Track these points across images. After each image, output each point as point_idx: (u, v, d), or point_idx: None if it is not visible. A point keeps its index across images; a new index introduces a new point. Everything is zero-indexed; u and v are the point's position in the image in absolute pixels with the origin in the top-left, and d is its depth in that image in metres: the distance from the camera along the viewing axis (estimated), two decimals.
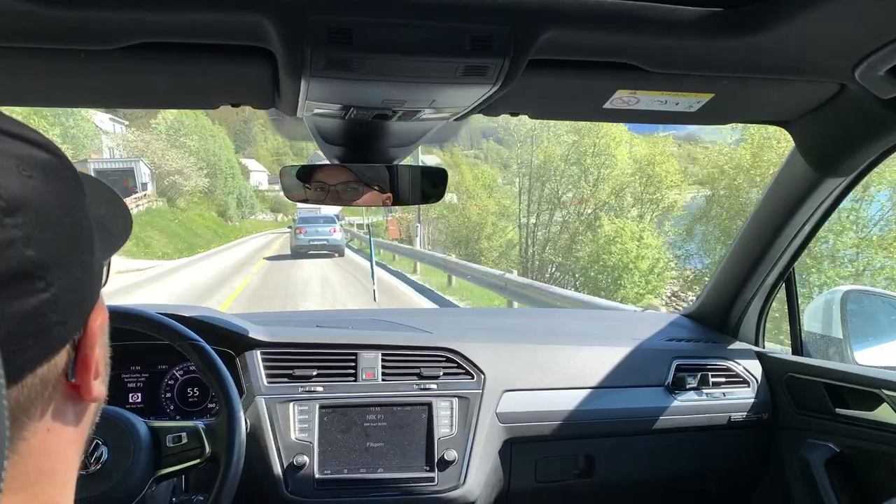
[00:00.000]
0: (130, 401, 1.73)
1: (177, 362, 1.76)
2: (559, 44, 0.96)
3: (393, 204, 1.47)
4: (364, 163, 1.45)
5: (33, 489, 0.46)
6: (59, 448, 0.49)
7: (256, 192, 79.66)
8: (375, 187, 1.44)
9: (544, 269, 24.54)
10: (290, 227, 38.47)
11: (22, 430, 0.44)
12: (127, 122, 50.88)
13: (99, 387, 0.51)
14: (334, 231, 25.26)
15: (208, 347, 1.41)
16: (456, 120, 1.30)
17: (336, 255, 24.82)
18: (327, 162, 1.49)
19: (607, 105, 1.23)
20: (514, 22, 0.91)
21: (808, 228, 1.75)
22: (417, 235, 23.55)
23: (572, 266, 22.39)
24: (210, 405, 1.77)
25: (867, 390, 1.67)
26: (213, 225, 47.42)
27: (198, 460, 1.34)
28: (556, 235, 25.04)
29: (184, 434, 1.34)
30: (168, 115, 46.94)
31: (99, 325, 0.50)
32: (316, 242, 24.77)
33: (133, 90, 1.18)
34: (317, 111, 1.19)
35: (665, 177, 22.43)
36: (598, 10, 0.92)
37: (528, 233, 26.34)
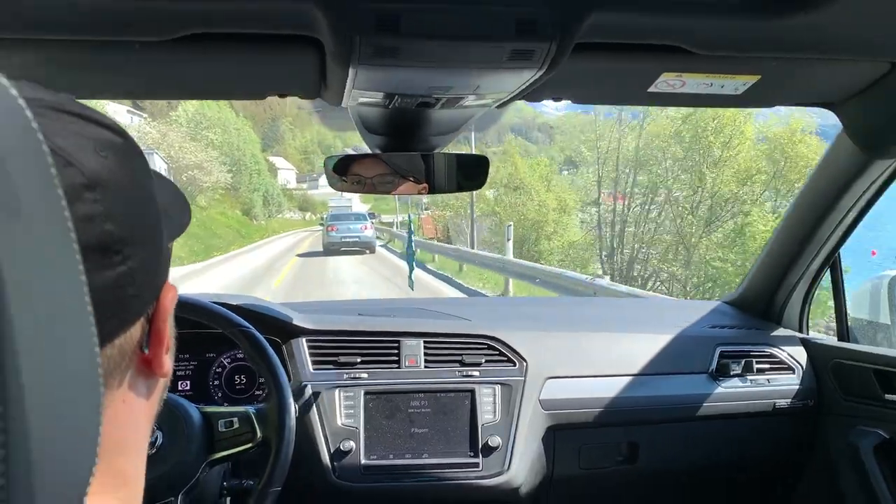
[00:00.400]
0: (179, 388, 1.77)
1: (224, 350, 1.79)
2: (605, 26, 0.96)
3: (429, 192, 1.48)
4: (405, 151, 1.46)
5: (108, 459, 0.48)
6: (132, 420, 0.52)
7: (284, 191, 78.87)
8: (411, 178, 1.46)
9: (643, 275, 20.56)
10: (321, 224, 38.75)
11: (102, 398, 0.46)
12: (146, 115, 47.25)
13: (168, 362, 0.53)
14: (365, 228, 25.49)
15: (259, 335, 1.44)
16: (498, 107, 1.30)
17: (367, 251, 24.98)
18: (362, 152, 1.50)
19: (652, 88, 1.22)
20: (560, 4, 0.91)
21: (855, 212, 1.72)
22: (470, 233, 22.21)
23: (692, 274, 18.45)
24: (257, 392, 1.80)
25: None
26: (236, 224, 44.20)
27: (249, 444, 1.36)
28: (654, 232, 20.77)
29: (235, 419, 1.36)
30: (189, 107, 44.38)
31: (170, 301, 0.52)
32: (348, 239, 25.00)
33: (184, 81, 1.20)
34: (361, 100, 1.20)
35: (812, 158, 16.54)
36: None
37: (614, 231, 22.80)
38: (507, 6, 0.91)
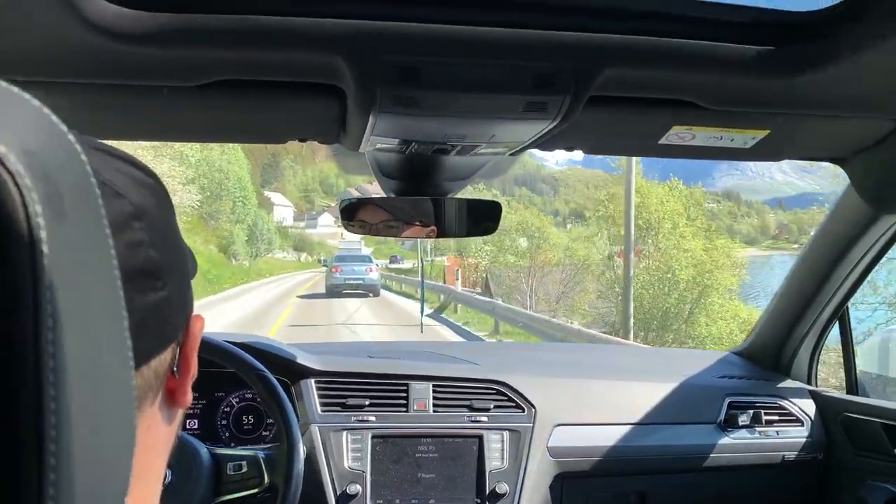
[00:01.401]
0: (188, 427, 1.77)
1: (233, 390, 1.80)
2: (619, 81, 0.99)
3: (438, 236, 1.51)
4: (420, 195, 1.49)
5: (131, 485, 0.49)
6: (155, 447, 0.53)
7: (280, 229, 75.10)
8: (417, 223, 1.48)
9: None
10: (324, 263, 38.51)
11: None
12: None
13: (190, 392, 0.56)
14: (370, 270, 25.03)
15: (274, 380, 1.44)
16: (511, 155, 1.33)
17: (371, 294, 24.52)
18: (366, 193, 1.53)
19: (663, 140, 1.25)
20: (576, 60, 0.94)
21: (862, 266, 1.73)
22: (529, 291, 20.11)
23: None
24: (264, 433, 1.80)
25: None
26: (204, 264, 30.92)
27: (256, 490, 1.36)
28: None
29: (244, 463, 1.36)
30: None
31: (199, 330, 0.56)
32: (351, 281, 24.50)
33: (207, 125, 1.24)
34: (379, 146, 1.24)
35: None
36: (659, 48, 0.95)
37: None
38: (525, 61, 0.94)
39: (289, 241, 76.44)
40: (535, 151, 1.33)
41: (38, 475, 0.28)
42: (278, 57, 0.92)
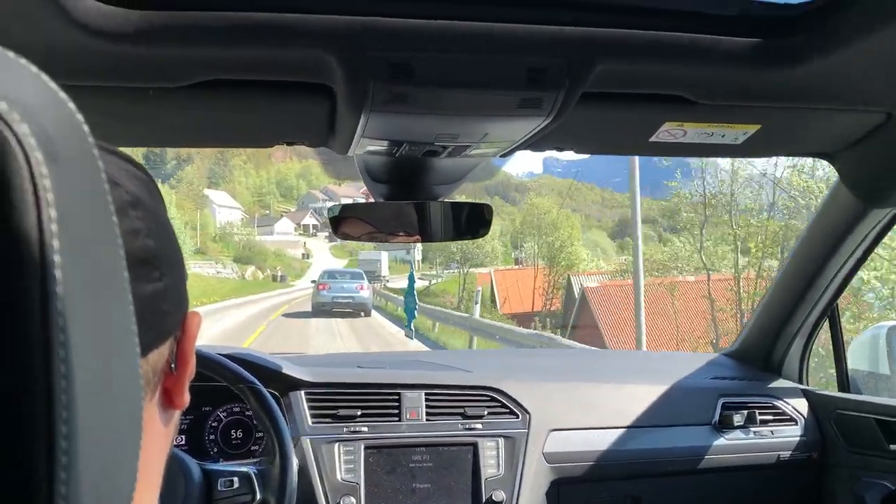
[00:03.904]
0: (175, 442, 1.74)
1: (221, 404, 1.77)
2: (612, 76, 0.99)
3: (429, 241, 1.50)
4: (409, 200, 1.47)
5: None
6: (153, 449, 0.52)
7: (223, 232, 63.42)
8: (407, 228, 1.47)
9: None
10: (281, 279, 37.70)
11: None
12: None
13: (186, 394, 0.55)
14: (361, 288, 23.66)
15: (267, 393, 1.42)
16: (502, 156, 1.32)
17: (362, 314, 23.06)
18: (337, 199, 1.51)
19: (654, 138, 1.24)
20: (569, 55, 0.93)
21: (852, 262, 1.73)
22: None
23: None
24: (253, 447, 1.77)
25: None
26: None
27: None
28: None
29: (236, 479, 1.34)
30: None
31: (195, 326, 0.55)
32: (340, 300, 22.93)
33: (195, 129, 1.22)
34: (369, 149, 1.22)
35: None
36: (651, 41, 0.94)
37: None
38: (518, 56, 0.93)
39: (230, 250, 60.60)
40: (499, 160, 1.33)
41: (49, 475, 0.27)
42: (266, 54, 0.91)
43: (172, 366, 0.52)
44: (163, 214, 0.52)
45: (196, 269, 44.96)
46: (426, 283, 45.46)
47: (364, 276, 25.93)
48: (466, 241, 34.34)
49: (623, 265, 27.86)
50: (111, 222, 0.35)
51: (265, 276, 54.57)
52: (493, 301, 33.22)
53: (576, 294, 26.01)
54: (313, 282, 25.68)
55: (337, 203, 1.48)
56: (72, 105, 0.33)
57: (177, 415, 0.57)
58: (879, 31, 0.92)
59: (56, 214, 0.28)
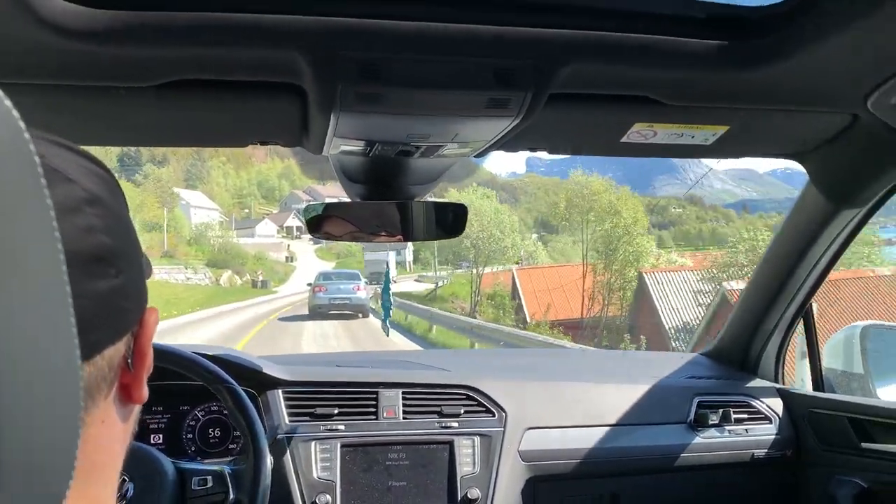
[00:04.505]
0: (152, 441, 1.73)
1: (198, 403, 1.76)
2: (579, 77, 1.00)
3: (405, 240, 1.51)
4: (385, 200, 1.48)
5: (83, 482, 0.47)
6: (110, 444, 0.52)
7: (198, 234, 57.65)
8: (385, 228, 1.48)
9: None
10: (262, 285, 36.55)
11: (85, 414, 0.47)
12: None
13: (145, 388, 0.55)
14: (358, 289, 23.29)
15: (243, 393, 1.42)
16: (476, 156, 1.33)
17: (360, 315, 22.84)
18: (322, 199, 1.51)
19: (625, 139, 1.26)
20: (535, 56, 0.95)
21: (825, 261, 1.75)
22: None
23: None
24: (231, 446, 1.77)
25: (893, 423, 1.66)
26: None
27: None
28: None
29: (210, 478, 1.34)
30: None
31: (153, 322, 0.55)
32: (337, 301, 22.77)
33: (166, 128, 1.21)
34: (343, 148, 1.22)
35: None
36: (617, 43, 0.95)
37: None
38: (485, 57, 0.94)
39: (203, 254, 53.24)
40: (485, 161, 1.33)
41: None
42: (237, 54, 0.91)
43: (129, 361, 0.52)
44: (123, 212, 0.52)
45: (162, 275, 39.94)
46: (426, 286, 42.63)
47: (360, 276, 25.48)
48: (481, 236, 33.81)
49: (708, 260, 23.23)
50: (48, 221, 0.35)
51: (244, 282, 48.77)
52: (519, 307, 28.92)
53: (653, 295, 22.42)
54: (309, 284, 25.10)
55: (316, 202, 1.48)
56: (7, 102, 0.32)
57: (136, 409, 0.57)
58: (844, 34, 0.94)
59: None
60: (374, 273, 31.93)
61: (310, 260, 69.49)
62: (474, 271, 35.98)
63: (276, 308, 27.83)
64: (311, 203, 1.46)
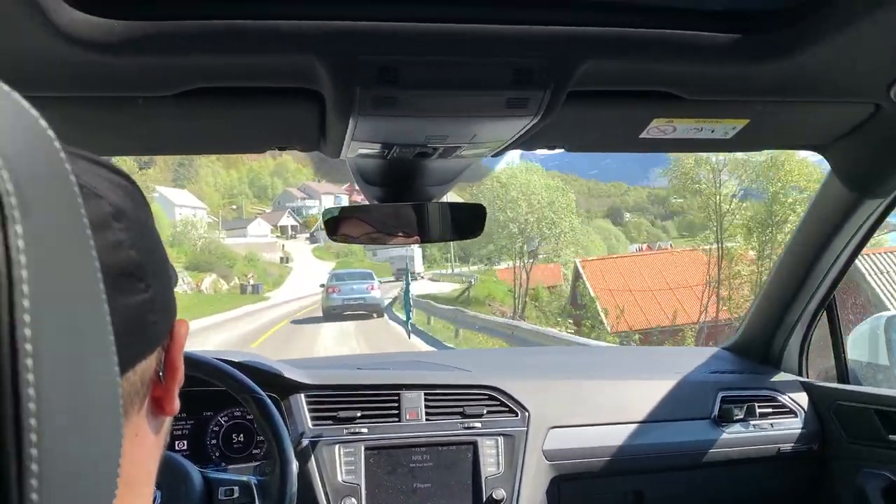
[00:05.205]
0: (177, 448, 1.74)
1: (221, 408, 1.77)
2: (597, 74, 0.99)
3: (422, 242, 1.51)
4: (403, 202, 1.48)
5: (120, 496, 0.48)
6: (143, 457, 0.52)
7: (178, 234, 49.47)
8: (402, 230, 1.48)
9: None
10: (256, 291, 32.71)
11: None
12: None
13: (177, 400, 0.55)
14: (372, 288, 22.84)
15: (271, 403, 1.41)
16: (494, 156, 1.33)
17: (374, 315, 22.20)
18: (317, 195, 1.51)
19: (644, 134, 1.25)
20: (553, 54, 0.94)
21: (848, 252, 1.73)
22: None
23: None
24: (254, 451, 1.78)
25: None
26: None
27: None
28: None
29: (237, 488, 1.34)
30: None
31: (183, 334, 0.55)
32: (351, 302, 22.27)
33: (187, 136, 1.22)
34: (360, 152, 1.22)
35: None
36: (634, 39, 0.95)
37: None
38: (503, 56, 0.93)
39: (183, 256, 45.16)
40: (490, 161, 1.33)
41: (20, 482, 0.27)
42: (254, 61, 0.91)
43: (161, 374, 0.52)
44: (148, 223, 0.52)
45: None
46: (447, 286, 36.75)
47: (374, 276, 24.87)
48: (530, 220, 29.03)
49: None
50: (85, 239, 0.35)
51: (231, 287, 43.14)
52: (583, 309, 22.92)
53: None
54: (322, 286, 24.49)
55: (287, 200, 1.48)
56: (42, 122, 0.32)
57: (168, 421, 0.57)
58: (863, 24, 0.93)
59: (23, 231, 0.28)
60: (401, 270, 30.85)
61: (307, 260, 64.97)
62: (517, 264, 29.17)
63: (269, 322, 22.58)
64: (332, 207, 1.46)
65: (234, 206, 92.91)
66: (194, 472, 1.31)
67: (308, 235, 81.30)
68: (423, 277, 44.12)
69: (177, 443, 1.75)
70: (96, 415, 0.35)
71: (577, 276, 25.52)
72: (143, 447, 0.52)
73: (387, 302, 23.01)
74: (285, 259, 66.01)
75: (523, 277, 28.23)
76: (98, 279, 0.36)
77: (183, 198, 69.39)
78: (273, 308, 29.30)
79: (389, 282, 33.94)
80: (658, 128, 1.22)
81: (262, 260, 55.94)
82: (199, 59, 0.90)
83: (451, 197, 1.69)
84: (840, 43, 0.97)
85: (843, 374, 1.96)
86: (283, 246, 72.46)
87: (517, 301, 27.82)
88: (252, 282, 43.33)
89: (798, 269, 1.84)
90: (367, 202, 1.57)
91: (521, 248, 29.48)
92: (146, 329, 0.48)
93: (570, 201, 31.45)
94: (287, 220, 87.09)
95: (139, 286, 0.47)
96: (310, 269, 49.27)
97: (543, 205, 29.28)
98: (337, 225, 1.46)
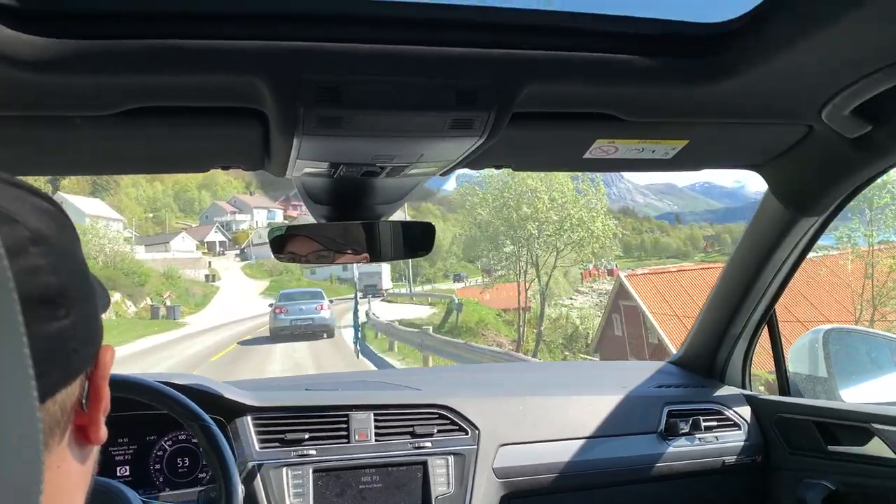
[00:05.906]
0: (119, 473, 1.69)
1: (165, 432, 1.72)
2: (541, 96, 1.01)
3: (371, 261, 1.51)
4: (351, 220, 1.47)
5: None
6: (68, 489, 0.50)
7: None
8: (350, 249, 1.47)
9: None
10: (172, 316, 29.96)
11: None
12: None
13: (104, 427, 0.53)
14: (321, 308, 22.27)
15: (216, 429, 1.38)
16: (442, 175, 1.33)
17: (325, 335, 21.67)
18: (249, 208, 1.50)
19: (587, 155, 1.27)
20: (497, 76, 0.95)
21: (787, 268, 1.78)
22: None
23: None
24: (200, 475, 1.73)
25: (858, 426, 1.68)
26: None
27: None
28: None
29: None
30: None
31: (109, 360, 0.54)
32: (300, 323, 21.62)
33: (126, 156, 1.19)
34: (306, 170, 1.22)
35: None
36: (575, 62, 0.97)
37: None
38: (447, 78, 0.94)
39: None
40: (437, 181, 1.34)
41: None
42: (195, 81, 0.90)
43: (84, 402, 0.51)
44: (72, 248, 0.50)
45: None
46: (413, 309, 32.37)
47: (324, 295, 24.09)
48: (551, 218, 24.48)
49: None
50: (1, 268, 0.34)
51: (141, 309, 37.21)
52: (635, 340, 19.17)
53: None
54: (270, 305, 23.67)
55: (217, 214, 1.46)
56: None
57: (95, 450, 0.55)
58: (795, 49, 0.96)
59: None
60: (369, 286, 29.93)
61: (236, 278, 60.85)
62: (533, 273, 23.94)
63: (175, 363, 17.20)
64: (278, 224, 1.44)
65: (158, 220, 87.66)
66: (136, 500, 1.27)
67: (238, 252, 78.16)
68: (388, 293, 42.41)
69: (118, 468, 1.69)
70: (13, 447, 0.34)
71: (618, 294, 21.41)
72: (69, 478, 0.50)
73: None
74: (211, 277, 61.35)
75: (501, 297, 22.97)
76: (15, 306, 0.35)
77: (96, 208, 63.75)
78: (185, 340, 24.77)
79: (349, 299, 32.43)
80: (601, 148, 1.25)
81: (185, 278, 50.80)
82: (138, 79, 0.88)
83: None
84: (773, 67, 1.01)
85: (784, 386, 2.01)
86: (209, 263, 67.66)
87: (521, 331, 24.01)
88: (168, 303, 38.77)
89: (739, 284, 1.89)
90: (310, 218, 1.56)
91: (526, 257, 24.86)
92: (67, 357, 0.46)
93: (603, 196, 25.90)
94: (215, 236, 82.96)
95: (59, 313, 0.45)
96: (239, 289, 46.91)
97: (569, 200, 24.42)
98: (283, 243, 1.45)
